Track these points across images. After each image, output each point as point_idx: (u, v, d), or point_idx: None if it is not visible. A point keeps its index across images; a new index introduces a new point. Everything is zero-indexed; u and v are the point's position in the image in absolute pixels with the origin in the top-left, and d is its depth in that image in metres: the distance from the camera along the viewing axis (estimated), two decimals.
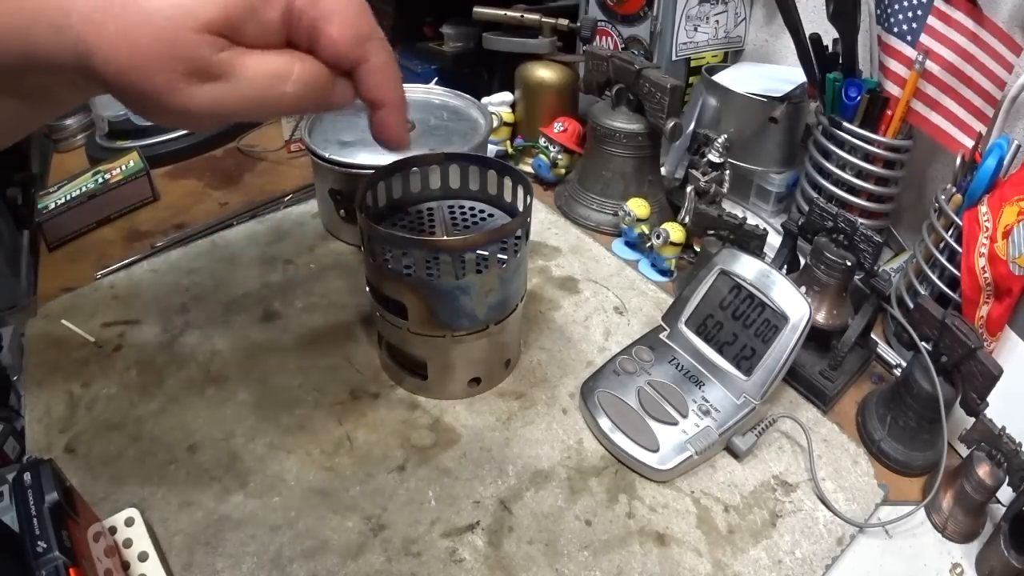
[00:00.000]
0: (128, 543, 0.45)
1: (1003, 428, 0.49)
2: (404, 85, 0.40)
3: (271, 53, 0.32)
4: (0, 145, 0.38)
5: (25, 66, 0.30)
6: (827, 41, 0.70)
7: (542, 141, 0.87)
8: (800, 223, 0.63)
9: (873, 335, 0.65)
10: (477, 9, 0.89)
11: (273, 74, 0.31)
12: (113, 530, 0.46)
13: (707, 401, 0.56)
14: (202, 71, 0.29)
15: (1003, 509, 0.49)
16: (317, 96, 0.33)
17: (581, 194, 0.84)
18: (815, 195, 0.73)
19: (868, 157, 0.70)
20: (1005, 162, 0.58)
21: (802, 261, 0.66)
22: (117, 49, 0.28)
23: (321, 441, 0.55)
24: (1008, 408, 0.51)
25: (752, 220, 0.70)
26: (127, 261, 0.74)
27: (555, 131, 0.86)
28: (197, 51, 0.29)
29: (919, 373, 0.54)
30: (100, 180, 0.80)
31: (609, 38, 0.93)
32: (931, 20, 0.63)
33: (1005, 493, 0.50)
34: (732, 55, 0.94)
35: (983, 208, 0.57)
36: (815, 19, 0.70)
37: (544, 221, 0.83)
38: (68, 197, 0.77)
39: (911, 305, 0.64)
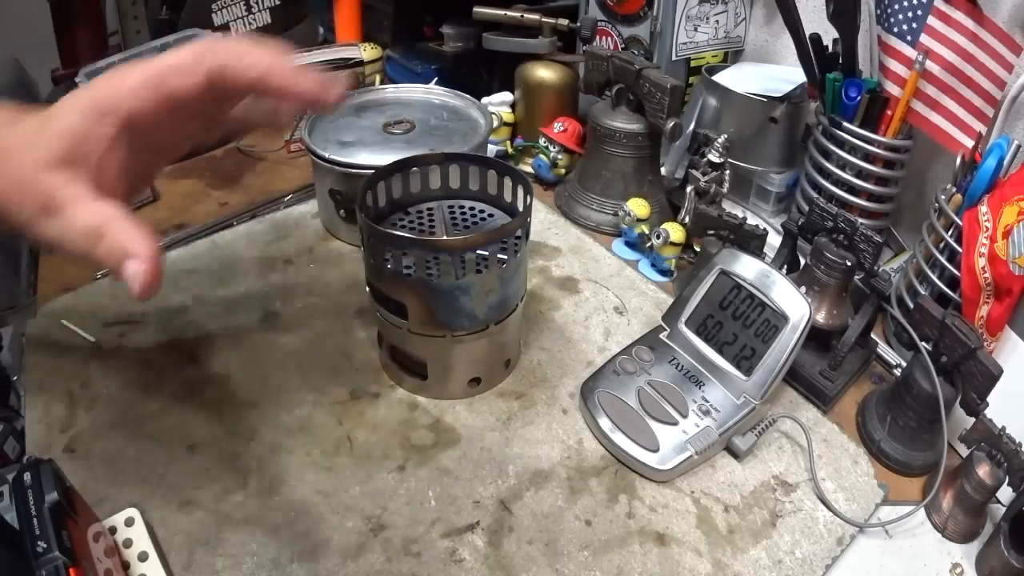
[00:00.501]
0: (128, 543, 0.45)
1: (1003, 428, 0.49)
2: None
3: (99, 204, 0.36)
4: None
5: None
6: (827, 41, 0.70)
7: (542, 141, 0.87)
8: (800, 223, 0.63)
9: (873, 335, 0.65)
10: (477, 9, 0.89)
11: (88, 229, 0.36)
12: (113, 530, 0.46)
13: (707, 401, 0.56)
14: (49, 208, 0.35)
15: (1003, 509, 0.49)
16: (117, 262, 0.37)
17: (581, 194, 0.84)
18: (815, 195, 0.73)
19: (868, 157, 0.70)
20: (1005, 162, 0.58)
21: (802, 261, 0.66)
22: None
23: (321, 441, 0.55)
24: (1008, 408, 0.51)
25: (752, 220, 0.70)
26: None
27: (555, 131, 0.86)
28: (45, 190, 0.35)
29: (919, 373, 0.54)
30: None
31: (609, 38, 0.93)
32: (931, 20, 0.63)
33: (1005, 493, 0.50)
34: (732, 55, 0.94)
35: (983, 208, 0.57)
36: (815, 19, 0.70)
37: (544, 221, 0.83)
38: None
39: (911, 305, 0.64)
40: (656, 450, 0.53)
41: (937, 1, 0.62)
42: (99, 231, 0.35)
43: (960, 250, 0.58)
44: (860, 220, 0.58)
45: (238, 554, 0.47)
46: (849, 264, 0.59)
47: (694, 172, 0.76)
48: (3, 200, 0.36)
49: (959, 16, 0.62)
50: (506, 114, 0.93)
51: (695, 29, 0.88)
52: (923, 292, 0.64)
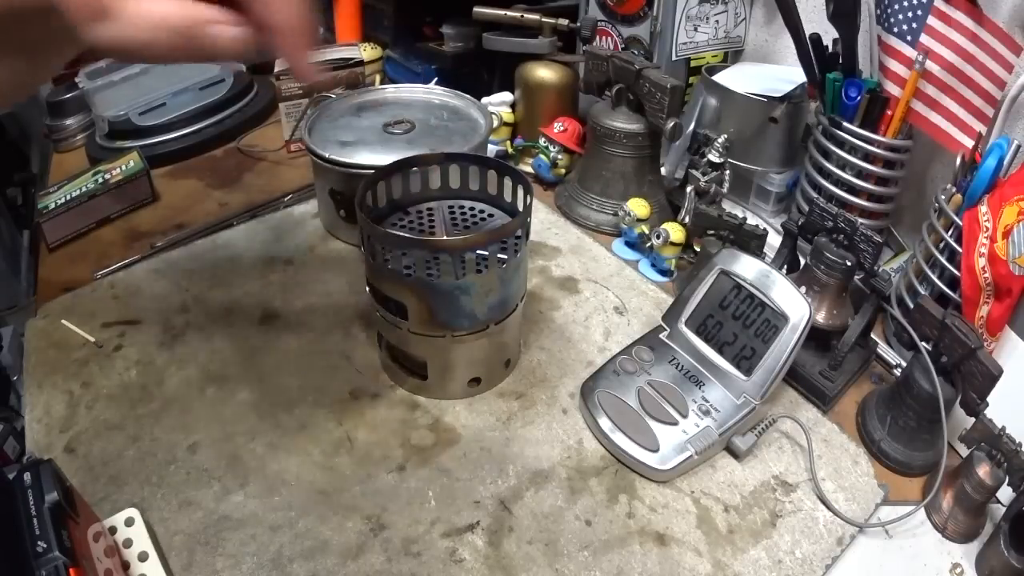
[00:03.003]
0: (128, 543, 0.45)
1: (1003, 428, 0.49)
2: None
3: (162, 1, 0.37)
4: (6, 104, 0.45)
5: (8, 14, 0.36)
6: (827, 41, 0.70)
7: (542, 141, 0.87)
8: (800, 223, 0.63)
9: (873, 335, 0.65)
10: (477, 9, 0.89)
11: (152, 21, 0.36)
12: (113, 530, 0.46)
13: (707, 401, 0.56)
14: (100, 12, 0.35)
15: (1003, 509, 0.49)
16: (190, 44, 0.37)
17: (581, 194, 0.84)
18: (815, 195, 0.73)
19: (868, 157, 0.70)
20: (1005, 162, 0.58)
21: (802, 261, 0.66)
22: None
23: (321, 441, 0.55)
24: (1008, 408, 0.51)
25: (752, 220, 0.70)
26: (127, 261, 0.74)
27: (555, 131, 0.86)
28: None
29: (919, 373, 0.54)
30: (100, 180, 0.80)
31: (609, 38, 0.93)
32: (931, 20, 0.63)
33: (1005, 493, 0.50)
34: (732, 55, 0.94)
35: (983, 208, 0.57)
36: (815, 19, 0.70)
37: (544, 221, 0.83)
38: (68, 197, 0.77)
39: (911, 305, 0.64)
40: (656, 450, 0.53)
41: (937, 1, 0.62)
42: (165, 15, 0.36)
43: (960, 250, 0.58)
44: (860, 220, 0.58)
45: (238, 554, 0.47)
46: (849, 264, 0.59)
47: (694, 172, 0.76)
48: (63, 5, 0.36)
49: (959, 16, 0.62)
50: (506, 114, 0.93)
51: (695, 29, 0.88)
52: (923, 292, 0.64)
